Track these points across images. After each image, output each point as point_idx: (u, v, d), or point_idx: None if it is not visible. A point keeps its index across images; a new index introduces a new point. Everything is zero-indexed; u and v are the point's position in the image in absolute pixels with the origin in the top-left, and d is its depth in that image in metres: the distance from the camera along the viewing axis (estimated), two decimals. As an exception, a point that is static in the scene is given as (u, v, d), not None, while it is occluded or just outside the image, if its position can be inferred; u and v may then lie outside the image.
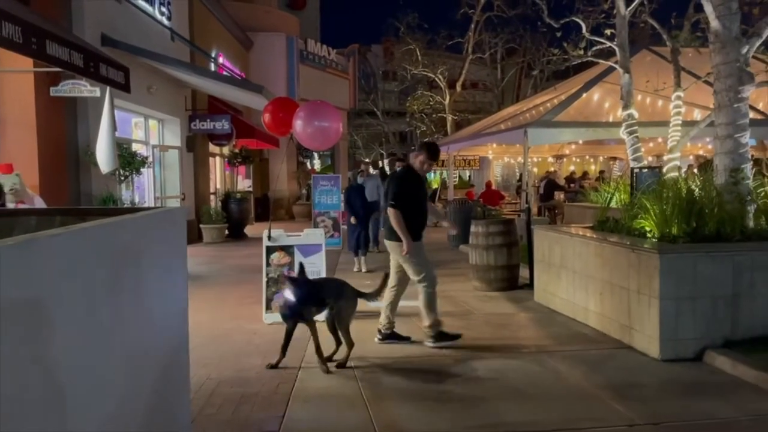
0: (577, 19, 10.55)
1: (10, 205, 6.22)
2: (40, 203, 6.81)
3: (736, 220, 5.52)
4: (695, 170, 12.75)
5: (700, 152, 16.61)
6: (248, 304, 7.23)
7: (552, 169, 19.70)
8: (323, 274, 6.56)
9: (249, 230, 16.04)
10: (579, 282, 6.30)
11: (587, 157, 22.57)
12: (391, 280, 5.74)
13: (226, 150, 17.54)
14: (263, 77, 19.17)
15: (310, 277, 6.49)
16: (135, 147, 11.37)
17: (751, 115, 7.47)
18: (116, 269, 2.05)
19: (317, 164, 32.05)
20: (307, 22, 29.18)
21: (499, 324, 6.21)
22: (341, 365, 4.89)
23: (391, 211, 5.43)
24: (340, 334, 4.97)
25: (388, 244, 5.65)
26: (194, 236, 14.20)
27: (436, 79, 25.72)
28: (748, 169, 6.18)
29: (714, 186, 6.00)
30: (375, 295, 5.29)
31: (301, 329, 6.07)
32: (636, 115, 9.48)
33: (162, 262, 2.67)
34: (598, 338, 5.71)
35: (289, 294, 4.84)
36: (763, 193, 6.25)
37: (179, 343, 2.89)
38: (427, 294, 5.47)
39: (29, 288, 1.44)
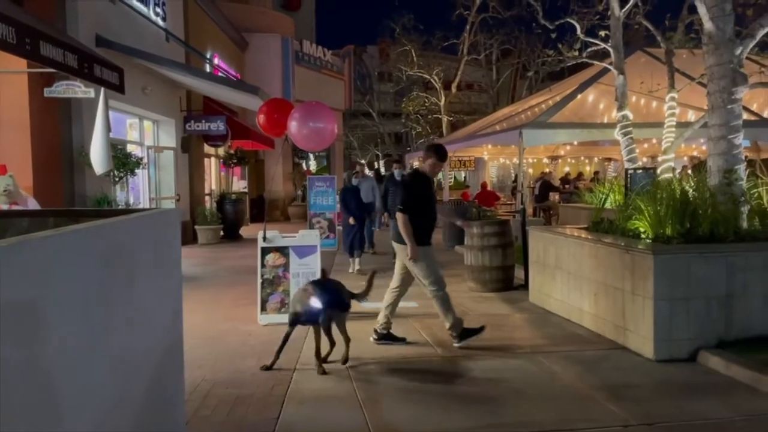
0: (572, 21, 10.59)
1: (4, 207, 6.20)
2: (33, 204, 6.79)
3: (730, 221, 5.53)
4: (689, 171, 12.81)
5: (695, 153, 16.67)
6: (243, 306, 7.22)
7: (547, 170, 19.76)
8: (318, 276, 6.54)
9: (244, 231, 16.01)
10: (574, 283, 6.32)
11: (582, 158, 22.62)
12: (394, 281, 5.75)
13: (221, 151, 17.51)
14: (258, 78, 19.14)
15: (305, 278, 6.52)
16: (130, 148, 11.34)
17: (745, 116, 7.51)
18: (109, 271, 2.05)
19: (313, 165, 32.03)
20: (303, 23, 29.16)
21: (494, 325, 6.20)
22: (345, 361, 4.95)
23: (399, 216, 5.44)
24: (340, 333, 5.00)
25: (396, 247, 5.65)
26: (189, 237, 14.16)
27: (432, 80, 25.74)
28: (742, 170, 6.20)
29: (707, 187, 6.02)
30: (364, 295, 5.29)
31: (296, 331, 6.08)
32: (630, 116, 9.52)
33: (156, 264, 2.67)
34: (593, 339, 5.72)
35: (315, 300, 4.79)
36: (756, 194, 6.28)
37: (173, 344, 2.89)
38: (440, 297, 5.47)
39: (21, 290, 1.43)
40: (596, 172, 21.10)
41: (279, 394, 4.35)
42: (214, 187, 17.87)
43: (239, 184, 20.05)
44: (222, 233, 14.92)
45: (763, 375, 4.29)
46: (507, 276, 8.21)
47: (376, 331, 5.67)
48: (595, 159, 22.61)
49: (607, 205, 8.76)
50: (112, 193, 9.70)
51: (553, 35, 11.39)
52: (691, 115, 11.19)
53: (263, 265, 6.51)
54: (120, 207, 9.38)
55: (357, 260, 9.71)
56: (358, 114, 35.34)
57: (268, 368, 4.84)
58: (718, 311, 5.04)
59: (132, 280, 2.29)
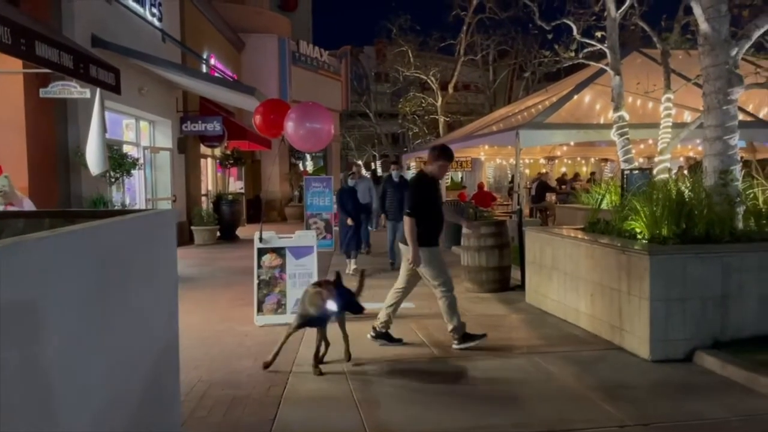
0: (568, 22, 10.60)
1: (-1, 208, 6.17)
2: (29, 205, 6.76)
3: (725, 222, 5.55)
4: (685, 172, 12.85)
5: (691, 154, 16.72)
6: (239, 306, 7.21)
7: (544, 170, 19.77)
8: (315, 276, 6.54)
9: (241, 232, 16.00)
10: (570, 283, 6.32)
11: (578, 158, 22.66)
12: (399, 282, 5.74)
13: (217, 151, 17.49)
14: (255, 79, 19.13)
15: (301, 279, 6.52)
16: (126, 149, 11.33)
17: (741, 116, 7.53)
18: (105, 272, 2.04)
19: (309, 166, 32.01)
20: (299, 23, 29.17)
21: (490, 325, 6.20)
22: (349, 358, 5.04)
23: (406, 219, 5.45)
24: (341, 330, 5.08)
25: (404, 249, 5.65)
26: (185, 238, 14.14)
27: (429, 80, 25.76)
28: (737, 170, 6.22)
29: (703, 188, 6.04)
30: (356, 294, 5.29)
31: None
32: (627, 117, 9.53)
33: (151, 264, 2.66)
34: (589, 339, 5.73)
35: (331, 303, 4.77)
36: (752, 195, 6.30)
37: (169, 345, 2.88)
38: (447, 298, 5.47)
39: (18, 291, 1.43)
40: (593, 173, 21.13)
41: (275, 395, 4.35)
42: (210, 187, 17.84)
43: (236, 185, 20.05)
44: (218, 234, 14.90)
45: (759, 375, 4.30)
46: (504, 277, 8.22)
47: (374, 328, 5.67)
48: (592, 160, 22.65)
49: (604, 206, 8.78)
50: (108, 194, 9.68)
51: (550, 36, 11.41)
52: (687, 116, 11.21)
53: (260, 266, 6.50)
54: (116, 208, 9.36)
55: (353, 261, 9.71)
56: (355, 114, 35.32)
57: (268, 365, 4.82)
58: (713, 312, 5.05)
59: (127, 280, 2.28)
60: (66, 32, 8.82)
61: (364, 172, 19.35)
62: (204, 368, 4.96)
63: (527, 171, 22.35)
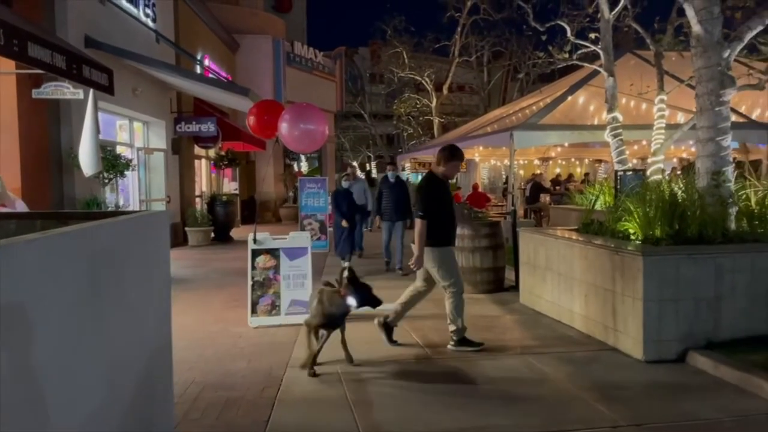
0: (562, 23, 10.64)
1: (-9, 209, 6.13)
2: (21, 207, 6.72)
3: (718, 223, 5.57)
4: (679, 173, 12.89)
5: (684, 155, 16.79)
6: (233, 308, 7.19)
7: (538, 171, 19.82)
8: (309, 278, 6.54)
9: (235, 233, 15.96)
10: (564, 284, 6.34)
11: (573, 159, 22.72)
12: (417, 283, 5.74)
13: (212, 152, 17.45)
14: (250, 79, 19.10)
15: (296, 281, 6.51)
16: (119, 149, 11.29)
17: (734, 118, 7.57)
18: (96, 273, 2.04)
19: (304, 167, 31.98)
20: (294, 24, 29.15)
21: (484, 326, 6.22)
22: (351, 360, 5.03)
23: (417, 222, 5.45)
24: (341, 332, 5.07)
25: (415, 249, 5.64)
26: (179, 239, 14.10)
27: (423, 81, 25.80)
28: (730, 171, 6.24)
29: (696, 189, 6.06)
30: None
31: (287, 333, 6.07)
32: (620, 118, 9.57)
33: (144, 266, 2.66)
34: (583, 340, 5.74)
35: (351, 299, 4.76)
36: (744, 196, 6.33)
37: (162, 346, 2.88)
38: (456, 300, 5.47)
39: (8, 292, 1.42)
40: (587, 174, 21.19)
41: (269, 396, 4.34)
42: (204, 188, 17.80)
43: (230, 186, 19.99)
44: (213, 235, 14.86)
45: (751, 375, 4.32)
46: (498, 277, 8.23)
47: (386, 317, 5.68)
48: (586, 160, 22.71)
49: (597, 207, 8.79)
50: (101, 195, 9.64)
51: (544, 37, 11.44)
52: (681, 117, 11.27)
53: (254, 268, 6.48)
54: (110, 209, 9.34)
55: (347, 264, 9.64)
56: (349, 115, 35.36)
57: (312, 372, 4.75)
58: (706, 312, 5.07)
59: (120, 282, 2.28)
60: (59, 33, 8.78)
61: (359, 173, 19.36)
62: (198, 370, 4.95)
63: (521, 172, 22.39)
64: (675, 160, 17.51)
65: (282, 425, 3.87)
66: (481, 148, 17.15)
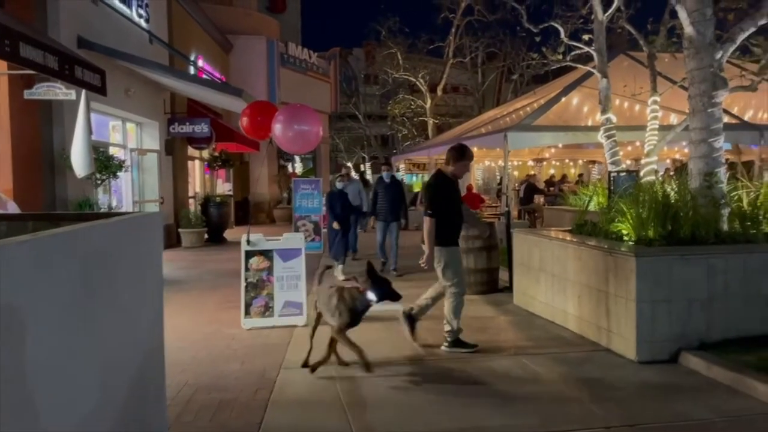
0: (556, 25, 10.67)
1: (-17, 210, 6.09)
2: (14, 208, 6.67)
3: (711, 224, 5.60)
4: (672, 174, 12.95)
5: (677, 156, 16.86)
6: (227, 309, 7.17)
7: (532, 172, 19.86)
8: (303, 279, 6.52)
9: (229, 234, 15.92)
10: (557, 285, 6.35)
11: (567, 160, 22.79)
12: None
13: (205, 153, 17.40)
14: (244, 80, 19.07)
15: (289, 282, 6.49)
16: (112, 150, 11.24)
17: (726, 119, 7.61)
18: (88, 275, 2.02)
19: (299, 167, 31.94)
20: (288, 25, 29.11)
21: (478, 327, 6.22)
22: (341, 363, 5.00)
23: (425, 220, 5.45)
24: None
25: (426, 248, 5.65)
26: (173, 240, 14.05)
27: (418, 83, 25.83)
28: (722, 173, 6.27)
29: (689, 190, 6.08)
30: (318, 284, 5.29)
31: (281, 335, 6.05)
32: (614, 119, 9.60)
33: (136, 267, 2.64)
34: (576, 341, 5.75)
35: (371, 294, 4.72)
36: (736, 197, 6.35)
37: (154, 349, 2.86)
38: (457, 300, 5.48)
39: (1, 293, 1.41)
40: (580, 175, 21.27)
41: (262, 398, 4.32)
42: (198, 189, 17.75)
43: (224, 187, 19.96)
44: (206, 236, 14.81)
45: (744, 376, 4.33)
46: (491, 278, 8.23)
47: (411, 308, 5.68)
48: (580, 161, 22.79)
49: (591, 208, 8.82)
50: (94, 196, 9.59)
51: (538, 39, 11.49)
52: (674, 118, 11.32)
53: (247, 269, 6.46)
54: (102, 210, 9.29)
55: (340, 267, 9.58)
56: (344, 116, 35.34)
57: (369, 367, 4.60)
58: (699, 313, 5.09)
59: (112, 283, 2.26)
60: (51, 33, 8.74)
61: (353, 174, 19.33)
62: (191, 372, 4.93)
63: (516, 173, 22.44)
64: (668, 161, 17.59)
65: (275, 427, 3.85)
66: (475, 149, 17.09)
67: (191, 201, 16.15)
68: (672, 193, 6.04)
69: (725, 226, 5.88)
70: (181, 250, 13.58)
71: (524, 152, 18.40)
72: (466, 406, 4.17)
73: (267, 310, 6.43)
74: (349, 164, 33.62)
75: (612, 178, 8.32)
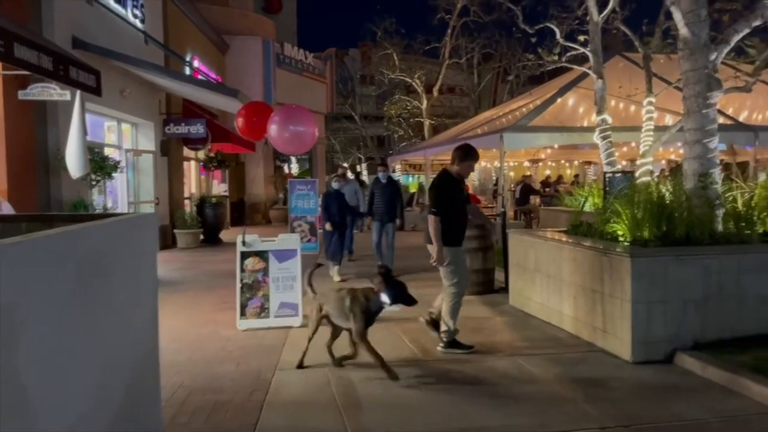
0: (552, 26, 10.69)
1: (-23, 211, 6.08)
2: (8, 209, 6.66)
3: (705, 224, 5.61)
4: (667, 174, 12.98)
5: (672, 157, 16.92)
6: (222, 310, 7.15)
7: (528, 173, 19.89)
8: (299, 280, 6.51)
9: (225, 235, 15.89)
10: (553, 286, 6.35)
11: (562, 161, 22.85)
12: None
13: (201, 154, 17.36)
14: (239, 81, 19.04)
15: (285, 283, 6.48)
16: (107, 151, 11.20)
17: (721, 120, 7.64)
18: (82, 276, 2.02)
19: (295, 168, 31.90)
20: (284, 26, 29.07)
21: (474, 328, 6.22)
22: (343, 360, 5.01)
23: (430, 218, 5.46)
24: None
25: (430, 249, 5.65)
26: (168, 241, 14.02)
27: (414, 83, 25.87)
28: (717, 173, 6.29)
29: (683, 190, 6.10)
30: (308, 284, 5.30)
31: (276, 336, 6.04)
32: (609, 120, 9.62)
33: (131, 269, 2.63)
34: (572, 341, 5.76)
35: (385, 296, 4.73)
36: (731, 198, 6.37)
37: (149, 350, 2.85)
38: (454, 301, 5.49)
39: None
40: (576, 176, 21.30)
41: (257, 400, 4.31)
42: (193, 190, 17.70)
43: (219, 188, 19.91)
44: (202, 237, 14.78)
45: (738, 376, 4.34)
46: (487, 279, 8.24)
47: (431, 313, 5.76)
48: (575, 162, 22.84)
49: (587, 209, 8.83)
50: (89, 197, 9.56)
51: (533, 40, 11.49)
52: (669, 119, 11.36)
53: (242, 270, 6.45)
54: (97, 211, 9.26)
55: (336, 268, 9.55)
56: (340, 117, 35.36)
57: (395, 378, 4.62)
58: (694, 313, 5.10)
59: (106, 285, 2.25)
60: (46, 34, 8.71)
61: (349, 174, 19.33)
62: (186, 373, 4.91)
63: (512, 174, 22.47)
64: (663, 161, 17.65)
65: (270, 428, 3.85)
66: (471, 149, 17.17)
67: (187, 202, 16.11)
68: (667, 194, 6.06)
69: (720, 227, 5.90)
70: (176, 251, 13.55)
71: (520, 153, 18.44)
72: (461, 407, 4.17)
73: (262, 311, 6.42)
74: (346, 165, 33.58)
75: (607, 179, 8.34)
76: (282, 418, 4.01)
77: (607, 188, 8.10)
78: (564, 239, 6.33)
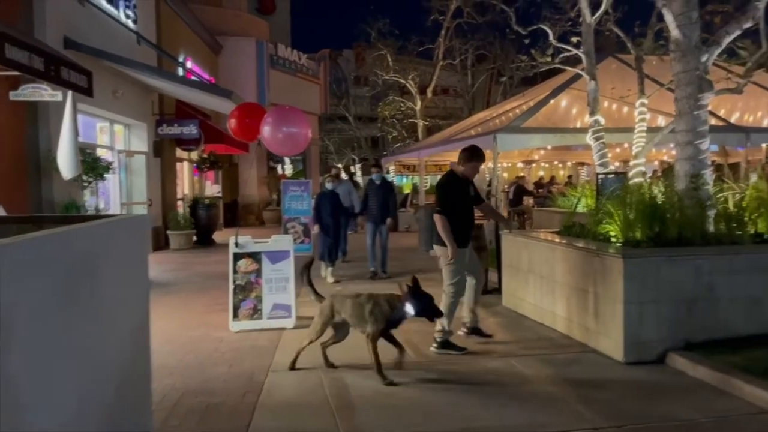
0: (545, 27, 10.72)
1: (-33, 213, 6.03)
2: (-1, 210, 6.62)
3: (697, 225, 5.63)
4: (659, 175, 13.03)
5: (665, 158, 16.99)
6: (215, 312, 7.13)
7: (521, 174, 19.94)
8: (292, 281, 6.50)
9: (218, 236, 15.84)
10: (546, 287, 6.36)
11: (556, 162, 22.89)
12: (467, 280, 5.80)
13: (194, 155, 17.30)
14: (233, 82, 18.99)
15: (278, 284, 6.46)
16: (100, 152, 11.15)
17: (713, 121, 7.68)
18: (72, 278, 2.00)
19: (288, 169, 31.85)
20: (277, 26, 29.03)
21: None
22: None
23: (437, 218, 5.47)
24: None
25: (438, 249, 5.66)
26: (161, 242, 13.97)
27: (408, 84, 25.86)
28: (708, 174, 6.31)
29: (675, 191, 6.12)
30: (308, 284, 5.26)
31: (269, 337, 6.02)
32: (602, 121, 9.65)
33: (122, 271, 2.62)
34: (565, 342, 5.77)
35: (409, 306, 4.69)
36: (722, 199, 6.40)
37: (140, 353, 2.84)
38: (452, 301, 5.51)
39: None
40: (569, 176, 21.38)
41: (250, 402, 4.30)
42: (187, 191, 17.64)
43: (213, 189, 19.85)
44: (195, 238, 14.74)
45: (730, 377, 4.36)
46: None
47: (464, 324, 5.84)
48: (569, 163, 22.90)
49: (579, 209, 8.85)
50: (80, 199, 9.51)
51: (527, 41, 11.54)
52: (661, 121, 11.40)
53: (235, 271, 6.43)
54: (89, 212, 9.21)
55: (329, 270, 9.51)
56: (334, 118, 35.31)
57: (390, 384, 4.58)
58: (686, 314, 5.11)
59: (95, 287, 2.24)
60: (37, 34, 8.66)
61: (343, 175, 19.31)
62: (178, 375, 4.89)
63: (505, 175, 22.50)
64: (656, 162, 17.72)
65: (263, 430, 3.83)
66: (464, 150, 17.18)
67: (180, 203, 16.05)
68: (659, 195, 6.08)
69: (711, 228, 5.92)
70: (169, 252, 13.50)
71: (514, 154, 18.47)
72: (454, 408, 4.17)
73: (255, 312, 6.40)
74: (340, 165, 33.58)
75: (600, 180, 8.36)
76: (275, 421, 4.00)
77: (600, 189, 8.12)
78: (557, 240, 6.34)
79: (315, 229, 9.39)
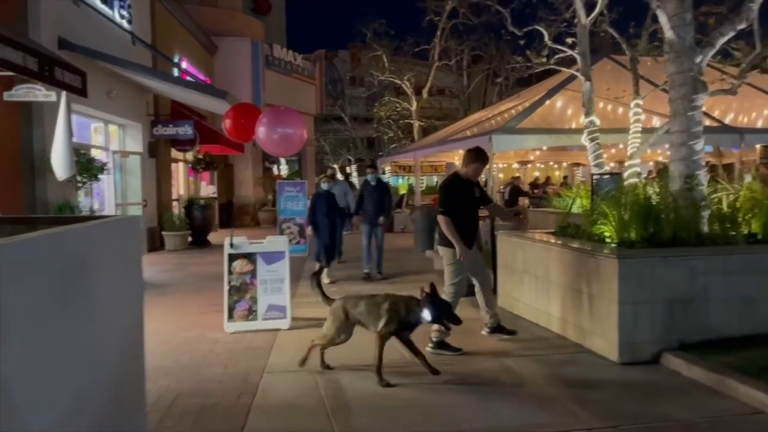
0: (540, 28, 10.75)
1: (-40, 213, 6.01)
2: (-8, 211, 6.59)
3: (691, 226, 5.64)
4: (654, 176, 13.08)
5: (660, 159, 17.04)
6: (210, 313, 7.11)
7: (517, 175, 19.96)
8: (287, 282, 6.49)
9: (213, 237, 15.81)
10: (541, 287, 6.37)
11: (551, 163, 22.93)
12: (473, 282, 5.84)
13: (189, 155, 17.27)
14: (228, 82, 18.98)
15: (273, 285, 6.45)
16: (94, 153, 11.11)
17: (707, 122, 7.71)
18: (64, 279, 2.00)
19: (284, 170, 31.81)
20: (273, 27, 29.01)
21: (462, 329, 6.17)
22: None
23: (441, 218, 5.50)
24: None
25: (442, 251, 5.67)
26: (156, 243, 13.93)
27: (403, 85, 25.90)
28: (702, 175, 6.33)
29: (670, 192, 6.14)
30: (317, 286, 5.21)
31: (264, 338, 6.01)
32: (597, 122, 9.68)
33: (115, 272, 2.61)
34: (560, 342, 5.78)
35: (427, 312, 4.69)
36: (716, 199, 6.42)
37: (134, 354, 2.83)
38: (451, 301, 5.50)
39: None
40: (565, 177, 21.41)
41: (245, 403, 4.29)
42: (182, 192, 17.60)
43: (208, 189, 19.82)
44: (190, 239, 14.70)
45: (724, 377, 4.37)
46: (476, 280, 8.22)
47: (486, 325, 5.92)
48: (564, 164, 22.93)
49: (574, 210, 8.87)
50: (75, 199, 9.47)
51: (522, 42, 11.56)
52: (656, 121, 11.44)
53: (230, 272, 6.42)
54: (84, 213, 9.18)
55: (325, 270, 9.47)
56: (329, 118, 35.29)
57: (386, 386, 4.58)
58: (680, 314, 5.13)
59: (89, 288, 2.23)
60: (32, 34, 8.62)
61: (338, 175, 19.29)
62: (173, 376, 4.88)
63: (501, 175, 22.53)
64: (651, 163, 17.76)
65: (258, 432, 3.83)
66: (460, 151, 17.20)
67: (175, 203, 16.02)
68: (653, 196, 6.10)
69: (706, 228, 5.94)
70: (164, 253, 13.47)
71: (509, 155, 18.47)
72: (449, 409, 4.17)
73: (250, 313, 6.39)
74: (335, 166, 33.54)
75: (595, 181, 8.37)
76: (270, 422, 3.99)
77: (595, 190, 8.14)
78: (552, 241, 6.35)
79: (309, 230, 9.36)
